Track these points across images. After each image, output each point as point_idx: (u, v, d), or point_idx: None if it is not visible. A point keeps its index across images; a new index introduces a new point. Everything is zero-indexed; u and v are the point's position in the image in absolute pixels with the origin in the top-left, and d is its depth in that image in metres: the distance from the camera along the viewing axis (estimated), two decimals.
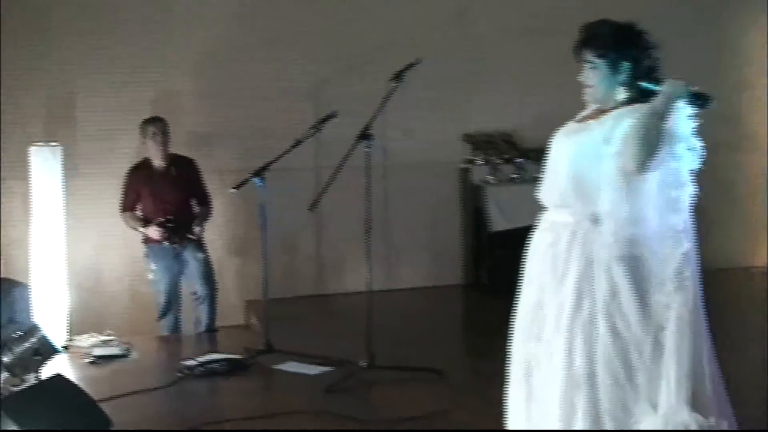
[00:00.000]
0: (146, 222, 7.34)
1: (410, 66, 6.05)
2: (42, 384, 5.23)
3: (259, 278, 6.77)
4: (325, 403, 5.67)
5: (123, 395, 5.80)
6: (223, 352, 6.67)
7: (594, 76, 3.87)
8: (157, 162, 7.42)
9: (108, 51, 8.02)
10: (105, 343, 7.10)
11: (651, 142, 3.64)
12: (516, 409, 4.00)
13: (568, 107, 4.14)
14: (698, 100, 3.81)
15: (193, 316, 7.72)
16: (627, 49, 3.85)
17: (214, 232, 8.25)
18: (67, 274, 7.38)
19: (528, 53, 8.57)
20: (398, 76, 6.02)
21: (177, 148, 7.67)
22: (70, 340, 7.21)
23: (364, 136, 6.01)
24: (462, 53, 8.59)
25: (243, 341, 6.95)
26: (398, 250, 8.50)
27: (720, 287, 8.58)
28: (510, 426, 4.03)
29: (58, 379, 5.15)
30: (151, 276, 7.45)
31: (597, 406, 3.68)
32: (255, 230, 6.74)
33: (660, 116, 3.69)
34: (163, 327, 7.46)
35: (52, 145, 7.31)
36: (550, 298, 3.82)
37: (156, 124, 7.38)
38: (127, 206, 7.47)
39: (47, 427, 4.59)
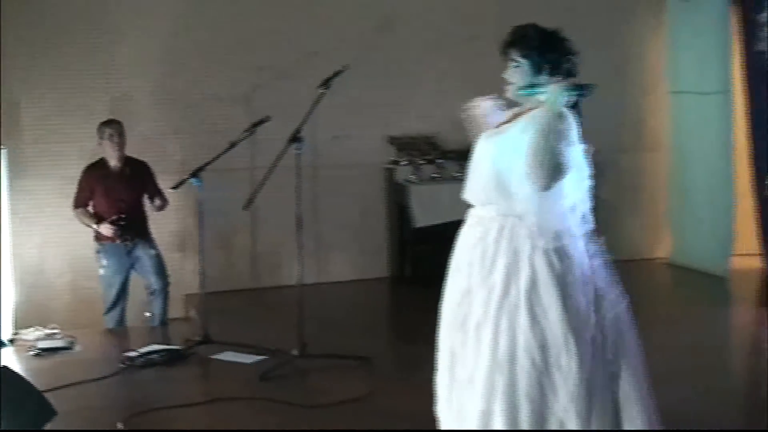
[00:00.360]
0: (99, 219, 7.24)
1: (337, 73, 6.07)
2: None
3: (197, 273, 6.74)
4: (260, 390, 5.68)
5: (67, 385, 5.75)
6: (163, 344, 6.64)
7: (517, 75, 3.93)
8: (113, 162, 7.30)
9: (53, 57, 7.92)
10: (49, 336, 7.02)
11: (548, 165, 3.67)
12: (442, 394, 4.05)
13: None
14: (581, 90, 3.80)
15: (142, 310, 7.72)
16: (549, 53, 3.92)
17: (153, 229, 8.17)
18: (12, 271, 7.32)
19: (447, 60, 8.63)
20: (326, 83, 6.04)
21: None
22: (16, 333, 7.12)
23: (295, 138, 6.03)
24: (386, 60, 8.61)
25: (182, 333, 6.93)
26: (328, 245, 8.51)
27: (627, 278, 8.74)
28: (438, 410, 4.07)
29: (4, 370, 5.07)
30: (101, 272, 7.34)
31: (515, 388, 3.72)
32: (193, 227, 6.70)
33: (549, 135, 3.69)
34: (109, 320, 7.38)
35: None
36: (478, 287, 3.85)
37: (113, 126, 7.27)
38: (80, 203, 7.33)
39: None
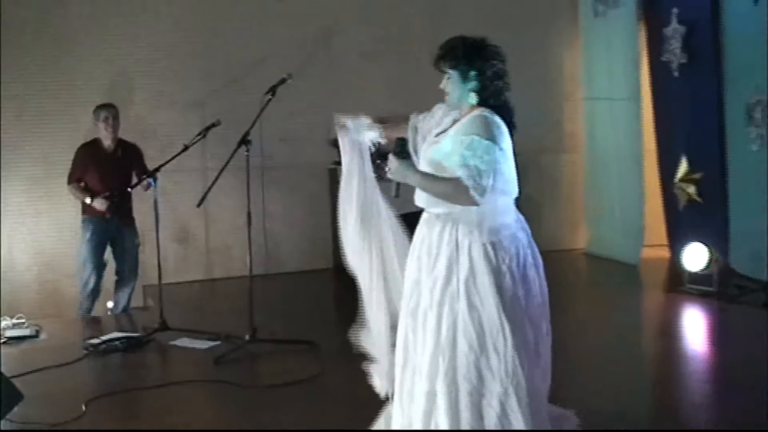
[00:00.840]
0: (91, 195, 7.12)
1: (282, 81, 6.06)
2: None
3: (155, 265, 6.70)
4: (214, 373, 5.66)
5: (33, 371, 5.69)
6: (123, 331, 6.60)
7: (449, 84, 3.97)
8: (107, 143, 7.19)
9: (14, 68, 7.81)
10: (16, 325, 6.92)
11: (481, 168, 3.74)
12: (397, 375, 4.08)
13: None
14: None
15: (105, 300, 7.66)
16: (474, 61, 3.93)
17: None
18: None
19: (381, 68, 8.66)
20: (272, 90, 6.03)
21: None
22: None
23: (244, 141, 6.02)
24: (326, 69, 8.63)
25: (141, 321, 6.88)
26: (276, 239, 8.50)
27: (549, 267, 8.84)
28: (395, 392, 4.10)
29: None
30: (83, 246, 7.23)
31: (455, 370, 3.78)
32: (150, 223, 6.65)
33: (482, 139, 3.77)
34: (81, 308, 7.29)
35: None
36: (425, 278, 3.91)
37: (108, 110, 7.17)
38: (73, 179, 7.20)
39: None
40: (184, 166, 7.10)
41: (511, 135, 3.96)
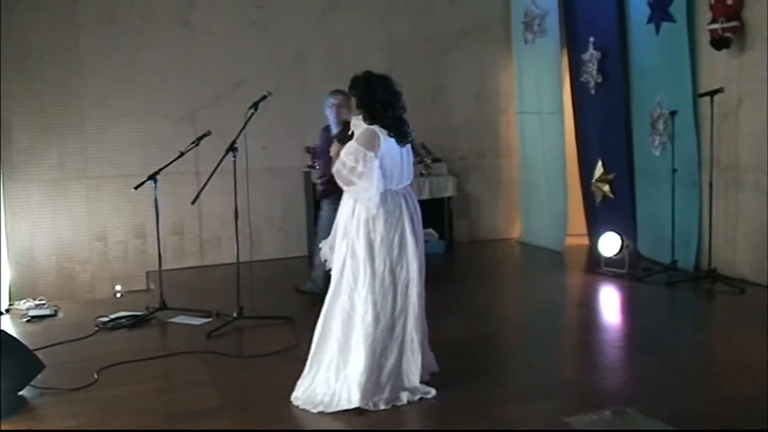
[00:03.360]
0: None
1: (264, 98, 6.07)
2: None
3: (156, 254, 6.68)
4: (207, 345, 5.66)
5: (53, 345, 5.68)
6: (129, 310, 6.57)
7: (354, 106, 4.56)
8: (333, 128, 6.75)
9: (34, 87, 7.75)
10: (38, 306, 6.90)
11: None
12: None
13: None
14: None
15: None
16: (372, 91, 4.47)
17: (120, 220, 8.09)
18: (7, 255, 7.17)
19: (339, 86, 8.64)
20: (255, 105, 6.03)
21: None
22: (11, 304, 6.99)
23: (231, 149, 6.01)
24: (299, 88, 8.64)
25: (144, 301, 6.84)
26: (259, 231, 8.49)
27: (489, 253, 8.94)
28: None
29: (2, 334, 4.98)
30: (321, 219, 6.95)
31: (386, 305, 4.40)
32: (151, 219, 6.63)
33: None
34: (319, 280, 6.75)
35: None
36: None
37: (336, 96, 6.75)
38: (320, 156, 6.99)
39: None
40: (180, 169, 7.08)
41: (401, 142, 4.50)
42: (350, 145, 4.42)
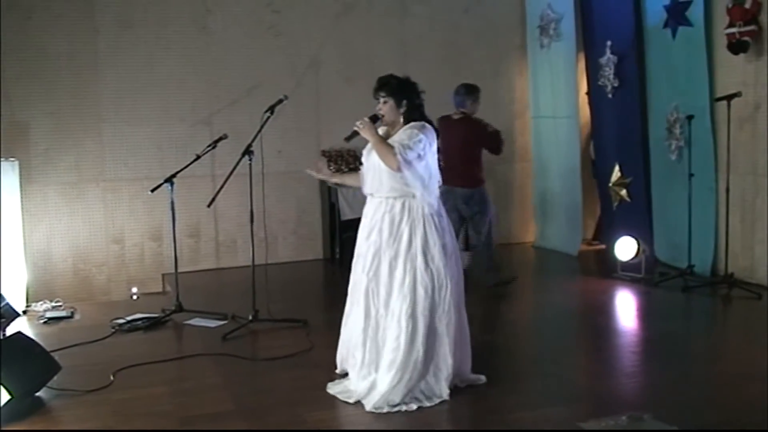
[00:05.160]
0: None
1: (279, 101, 6.05)
2: (7, 340, 5.05)
3: (172, 257, 6.68)
4: (222, 348, 5.66)
5: (69, 346, 5.69)
6: (144, 312, 6.57)
7: (386, 108, 4.56)
8: (455, 116, 7.10)
9: (51, 87, 7.78)
10: (54, 307, 6.92)
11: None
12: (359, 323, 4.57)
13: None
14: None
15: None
16: (405, 93, 4.56)
17: (137, 222, 8.11)
18: (25, 257, 7.18)
19: (359, 92, 8.64)
20: (270, 109, 6.02)
21: (98, 156, 7.48)
22: (28, 306, 6.99)
23: (247, 152, 5.99)
24: (314, 93, 8.64)
25: (160, 304, 6.84)
26: (274, 234, 8.49)
27: (504, 257, 8.90)
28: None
29: (20, 335, 5.00)
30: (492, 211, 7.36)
31: (416, 308, 4.39)
32: (167, 221, 6.64)
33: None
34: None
35: (11, 161, 7.08)
36: (386, 245, 4.45)
37: (458, 91, 7.12)
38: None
39: (10, 371, 4.45)
40: (196, 172, 7.08)
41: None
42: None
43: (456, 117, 7.11)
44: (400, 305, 4.37)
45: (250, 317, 6.13)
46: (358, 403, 4.41)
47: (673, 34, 7.49)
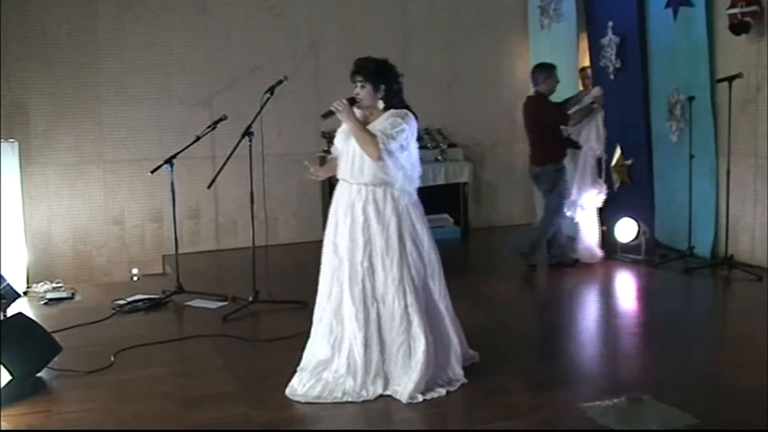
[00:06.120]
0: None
1: (279, 82, 6.00)
2: (8, 320, 5.06)
3: (172, 238, 6.67)
4: (222, 329, 5.67)
5: (70, 327, 5.70)
6: (145, 294, 6.57)
7: (364, 93, 4.38)
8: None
9: (51, 68, 7.76)
10: (55, 288, 6.94)
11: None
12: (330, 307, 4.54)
13: None
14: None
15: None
16: (384, 77, 4.38)
17: (137, 204, 8.10)
18: (25, 238, 7.19)
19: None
20: (270, 90, 5.98)
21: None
22: (29, 287, 7.01)
23: (247, 133, 5.97)
24: (314, 74, 8.61)
25: (160, 285, 6.85)
26: (274, 216, 8.48)
27: (505, 239, 8.89)
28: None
29: (20, 316, 5.01)
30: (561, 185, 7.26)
31: (413, 283, 4.34)
32: (168, 202, 6.63)
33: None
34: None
35: (11, 142, 7.07)
36: (377, 233, 4.31)
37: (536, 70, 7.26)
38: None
39: (11, 352, 4.45)
40: (196, 154, 7.06)
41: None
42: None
43: (530, 95, 7.30)
44: (401, 299, 4.26)
45: (251, 298, 6.13)
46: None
47: (675, 15, 7.44)
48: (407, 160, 4.32)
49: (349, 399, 4.22)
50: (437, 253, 4.44)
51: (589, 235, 7.48)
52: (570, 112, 7.19)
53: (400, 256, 4.28)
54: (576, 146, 7.35)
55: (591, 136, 7.32)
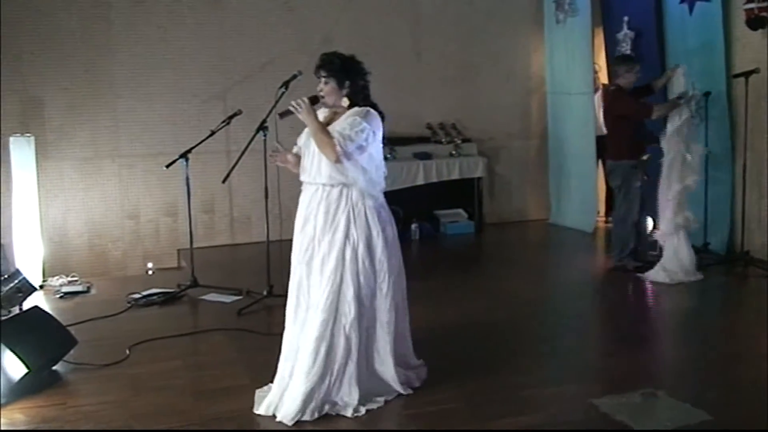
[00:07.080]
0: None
1: (294, 77, 5.98)
2: (24, 314, 5.11)
3: (187, 232, 6.70)
4: (237, 323, 5.70)
5: (85, 321, 5.75)
6: (160, 287, 6.61)
7: (327, 89, 4.19)
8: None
9: (66, 64, 7.78)
10: (71, 282, 6.98)
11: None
12: (289, 314, 4.33)
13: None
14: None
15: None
16: (349, 73, 4.16)
17: (152, 198, 8.13)
18: (41, 232, 7.24)
19: (370, 68, 8.61)
20: (285, 84, 5.97)
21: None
22: (44, 280, 7.05)
23: (261, 128, 5.98)
24: None
25: (175, 279, 6.88)
26: (288, 210, 8.43)
27: (519, 234, 8.89)
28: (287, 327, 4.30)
29: (36, 310, 5.05)
30: (637, 184, 6.94)
31: (352, 297, 4.06)
32: (182, 197, 6.65)
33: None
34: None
35: (27, 136, 7.12)
36: (322, 233, 4.14)
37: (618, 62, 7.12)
38: None
39: (27, 345, 4.49)
40: (210, 148, 7.08)
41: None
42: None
43: (610, 88, 7.18)
44: (325, 300, 4.05)
45: (265, 292, 6.15)
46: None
47: (690, 9, 7.40)
48: (369, 161, 4.10)
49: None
50: (399, 259, 4.22)
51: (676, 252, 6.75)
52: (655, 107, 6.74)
53: (338, 259, 4.05)
54: (656, 141, 7.01)
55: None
